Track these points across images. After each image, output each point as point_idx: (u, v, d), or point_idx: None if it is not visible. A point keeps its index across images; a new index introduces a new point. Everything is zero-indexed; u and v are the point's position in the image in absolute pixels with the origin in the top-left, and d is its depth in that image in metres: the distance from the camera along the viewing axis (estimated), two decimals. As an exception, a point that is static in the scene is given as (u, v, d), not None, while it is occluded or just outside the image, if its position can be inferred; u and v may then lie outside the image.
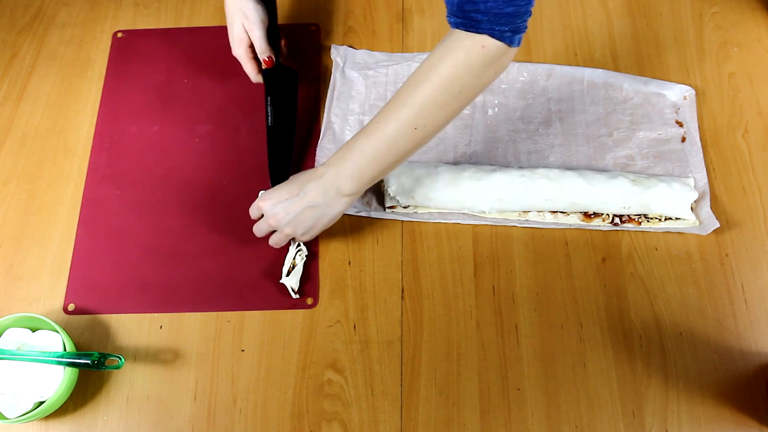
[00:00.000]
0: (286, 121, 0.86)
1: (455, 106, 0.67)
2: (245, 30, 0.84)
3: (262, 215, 0.76)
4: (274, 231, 0.77)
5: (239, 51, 0.86)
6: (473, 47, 0.63)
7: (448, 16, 0.65)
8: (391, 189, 0.82)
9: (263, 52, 0.85)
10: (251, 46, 0.86)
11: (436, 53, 0.66)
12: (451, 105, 0.67)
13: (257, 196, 0.84)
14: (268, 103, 0.86)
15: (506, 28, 0.62)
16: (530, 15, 0.64)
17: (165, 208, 0.85)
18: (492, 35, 0.62)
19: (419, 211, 0.83)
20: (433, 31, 0.98)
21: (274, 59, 0.86)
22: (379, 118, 0.69)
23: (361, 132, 0.70)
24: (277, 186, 0.75)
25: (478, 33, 0.63)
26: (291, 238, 0.76)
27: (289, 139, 0.86)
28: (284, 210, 0.73)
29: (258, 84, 0.92)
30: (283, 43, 0.89)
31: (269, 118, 0.86)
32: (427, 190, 0.81)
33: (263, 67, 0.87)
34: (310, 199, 0.72)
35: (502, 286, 0.79)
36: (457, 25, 0.64)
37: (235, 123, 0.91)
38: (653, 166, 0.86)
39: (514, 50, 0.65)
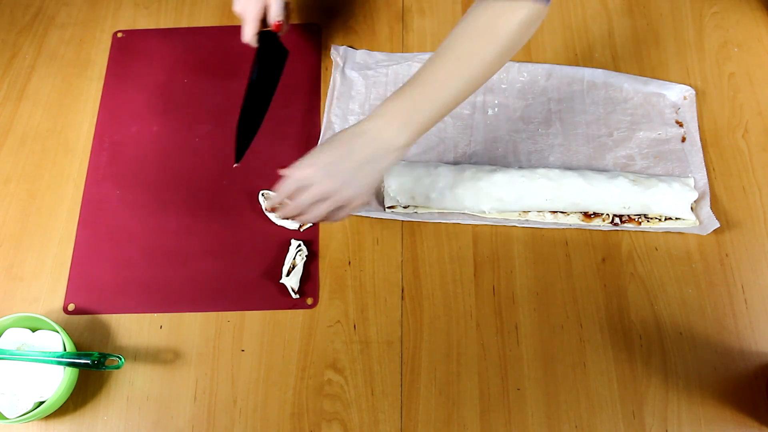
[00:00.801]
0: (267, 87, 0.84)
1: (501, 64, 0.69)
2: None
3: (289, 193, 0.69)
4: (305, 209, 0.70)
5: (253, 7, 0.80)
6: (519, 8, 0.66)
7: None
8: (391, 189, 0.82)
9: (278, 14, 0.82)
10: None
11: (483, 13, 0.67)
12: (500, 62, 0.69)
13: (257, 196, 0.84)
14: (257, 62, 0.83)
15: None
16: None
17: (165, 208, 0.85)
18: None
19: (419, 211, 0.83)
20: (433, 31, 0.98)
21: (282, 25, 0.83)
22: (428, 71, 0.67)
23: (413, 83, 0.67)
24: (313, 152, 0.68)
25: None
26: (340, 206, 0.69)
27: (263, 106, 0.83)
28: (337, 171, 0.66)
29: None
30: (287, 16, 0.86)
31: (254, 74, 0.83)
32: (428, 190, 0.82)
33: (263, 30, 0.83)
34: (363, 154, 0.66)
35: (502, 286, 0.79)
36: None
37: (235, 123, 0.90)
38: (653, 166, 0.86)
39: (547, 9, 0.68)
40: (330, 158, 0.67)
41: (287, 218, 0.72)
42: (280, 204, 0.71)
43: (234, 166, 0.81)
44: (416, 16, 0.99)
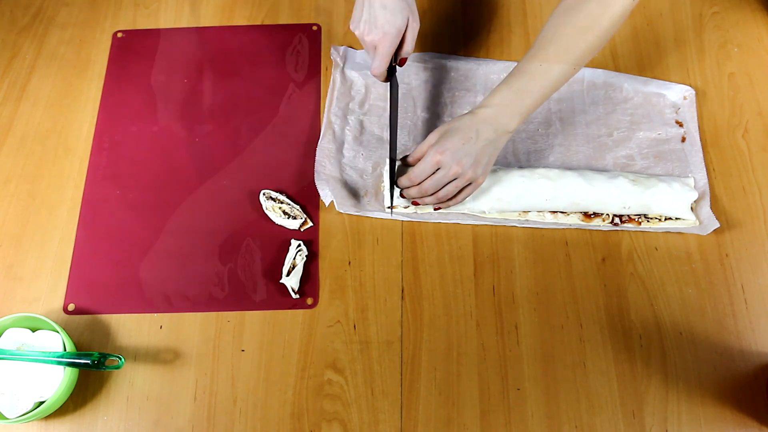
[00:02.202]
0: (396, 119, 0.84)
1: (597, 51, 0.76)
2: (407, 24, 0.80)
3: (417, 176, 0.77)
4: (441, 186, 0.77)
5: (392, 42, 0.80)
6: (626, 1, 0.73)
7: None
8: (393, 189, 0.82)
9: (410, 51, 0.82)
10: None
11: (584, 6, 0.73)
12: (597, 50, 0.76)
13: (257, 196, 0.84)
14: (393, 101, 0.83)
15: None
16: None
17: (165, 208, 0.85)
18: None
19: (419, 211, 0.83)
20: (434, 31, 0.98)
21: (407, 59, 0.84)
22: (540, 60, 0.74)
23: (521, 73, 0.75)
24: (442, 138, 0.76)
25: None
26: (466, 185, 0.78)
27: (395, 133, 0.84)
28: (466, 153, 0.75)
29: (259, 85, 0.92)
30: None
31: (392, 116, 0.83)
32: (427, 190, 0.82)
33: (392, 65, 0.83)
34: (485, 137, 0.75)
35: (502, 286, 0.79)
36: None
37: (235, 123, 0.91)
38: (653, 166, 0.86)
39: None
40: (457, 144, 0.75)
41: (416, 199, 0.80)
42: (407, 188, 0.80)
43: (387, 209, 0.83)
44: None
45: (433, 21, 0.99)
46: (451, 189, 0.77)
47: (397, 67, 0.85)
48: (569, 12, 0.74)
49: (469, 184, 0.78)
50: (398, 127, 0.90)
